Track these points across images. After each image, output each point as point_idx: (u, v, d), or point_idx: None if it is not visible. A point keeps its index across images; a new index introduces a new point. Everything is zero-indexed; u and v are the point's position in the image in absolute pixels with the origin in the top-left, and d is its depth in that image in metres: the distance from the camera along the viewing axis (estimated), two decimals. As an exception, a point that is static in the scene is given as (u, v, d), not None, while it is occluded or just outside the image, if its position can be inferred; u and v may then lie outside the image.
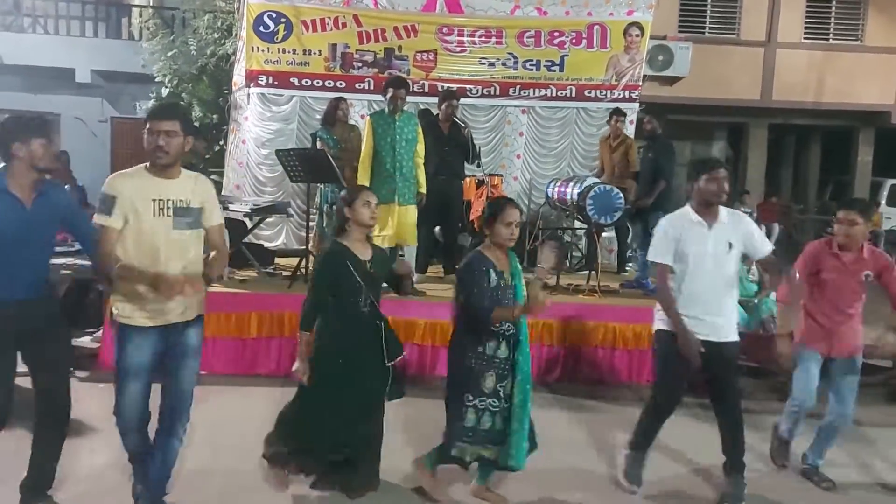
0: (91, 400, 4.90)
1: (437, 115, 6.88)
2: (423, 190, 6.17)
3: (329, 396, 3.46)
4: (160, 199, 3.05)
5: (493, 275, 3.43)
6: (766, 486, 4.09)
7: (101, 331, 5.82)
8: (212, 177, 9.10)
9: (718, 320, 3.71)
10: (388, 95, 5.93)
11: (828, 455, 4.25)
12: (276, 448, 3.62)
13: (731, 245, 3.70)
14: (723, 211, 3.75)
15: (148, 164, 3.08)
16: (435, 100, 8.41)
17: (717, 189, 3.66)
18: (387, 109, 6.00)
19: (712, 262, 3.68)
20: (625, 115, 7.73)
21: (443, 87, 8.38)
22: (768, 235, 14.24)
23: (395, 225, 5.92)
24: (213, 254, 3.29)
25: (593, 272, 6.65)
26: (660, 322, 3.83)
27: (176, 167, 3.11)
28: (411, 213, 6.07)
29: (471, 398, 3.44)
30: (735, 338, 3.77)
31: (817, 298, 4.09)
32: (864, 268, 4.02)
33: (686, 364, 3.66)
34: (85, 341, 6.01)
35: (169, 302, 3.06)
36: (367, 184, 5.97)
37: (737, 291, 3.84)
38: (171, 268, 3.03)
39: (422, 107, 8.01)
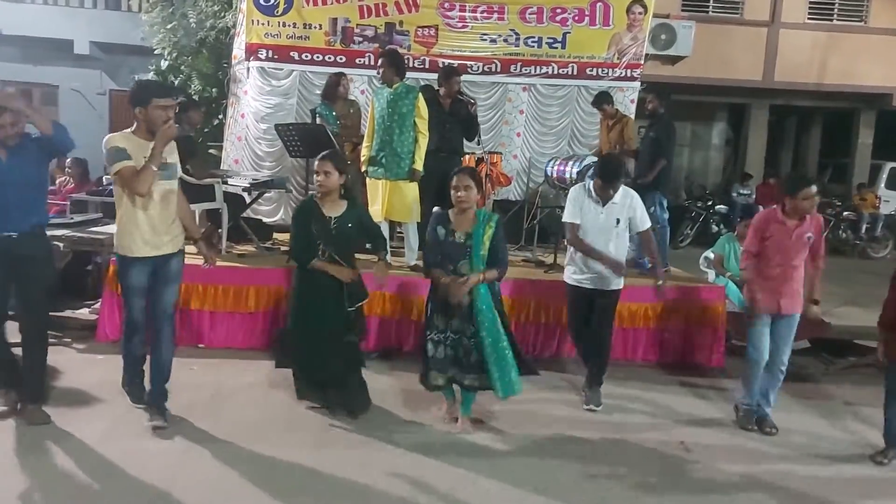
0: (90, 371, 4.96)
1: (438, 91, 6.79)
2: (419, 167, 5.94)
3: (299, 330, 4.27)
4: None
5: (440, 230, 4.16)
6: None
7: (99, 303, 5.83)
8: (210, 150, 9.13)
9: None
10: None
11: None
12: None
13: (618, 221, 4.68)
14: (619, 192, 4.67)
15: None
16: (436, 76, 8.41)
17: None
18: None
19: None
20: (607, 99, 7.58)
21: (443, 62, 8.35)
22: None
23: (385, 201, 5.88)
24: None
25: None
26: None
27: None
28: (404, 189, 5.91)
29: (428, 333, 4.21)
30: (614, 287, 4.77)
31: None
32: (807, 230, 4.52)
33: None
34: (83, 313, 6.02)
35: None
36: (365, 158, 5.97)
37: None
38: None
39: (423, 82, 7.98)
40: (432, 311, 4.23)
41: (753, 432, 4.59)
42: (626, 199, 4.70)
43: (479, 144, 7.41)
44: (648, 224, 4.82)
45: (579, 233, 4.74)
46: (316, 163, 4.20)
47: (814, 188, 4.47)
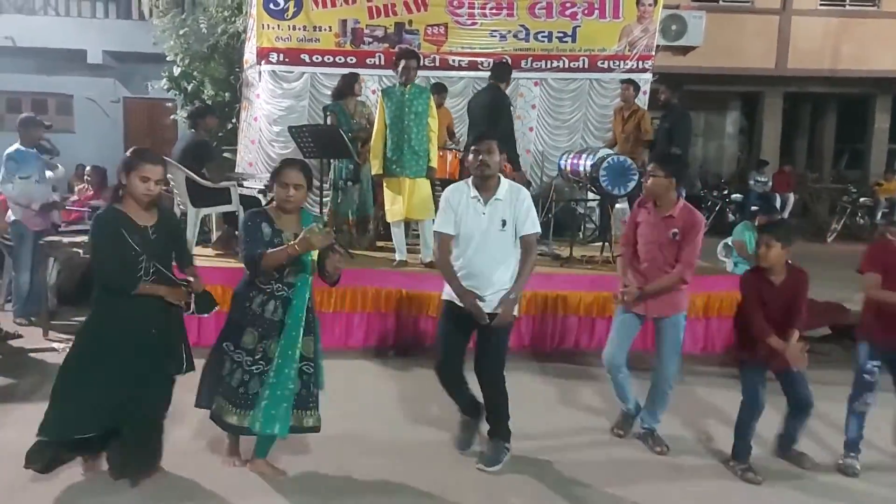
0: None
1: (503, 87, 6.73)
2: (435, 165, 6.09)
3: (99, 370, 3.30)
4: None
5: (266, 229, 3.38)
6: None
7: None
8: (225, 154, 9.21)
9: (487, 294, 3.63)
10: (401, 66, 5.90)
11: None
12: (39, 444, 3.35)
13: (504, 222, 3.63)
14: (502, 186, 3.68)
15: None
16: (446, 73, 8.50)
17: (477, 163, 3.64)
18: (398, 82, 5.98)
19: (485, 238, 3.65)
20: (636, 85, 7.63)
21: (454, 60, 8.39)
22: (783, 205, 14.12)
23: (406, 199, 5.93)
24: None
25: (606, 243, 6.66)
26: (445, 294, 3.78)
27: None
28: (423, 186, 6.00)
29: (231, 347, 3.41)
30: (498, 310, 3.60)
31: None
32: (672, 225, 3.90)
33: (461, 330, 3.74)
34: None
35: None
36: (379, 159, 5.99)
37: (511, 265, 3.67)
38: None
39: (432, 80, 8.01)
40: (242, 324, 3.47)
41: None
42: (513, 195, 3.67)
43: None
44: (533, 229, 3.67)
45: (455, 244, 3.72)
46: (145, 167, 3.29)
47: (651, 166, 3.92)
